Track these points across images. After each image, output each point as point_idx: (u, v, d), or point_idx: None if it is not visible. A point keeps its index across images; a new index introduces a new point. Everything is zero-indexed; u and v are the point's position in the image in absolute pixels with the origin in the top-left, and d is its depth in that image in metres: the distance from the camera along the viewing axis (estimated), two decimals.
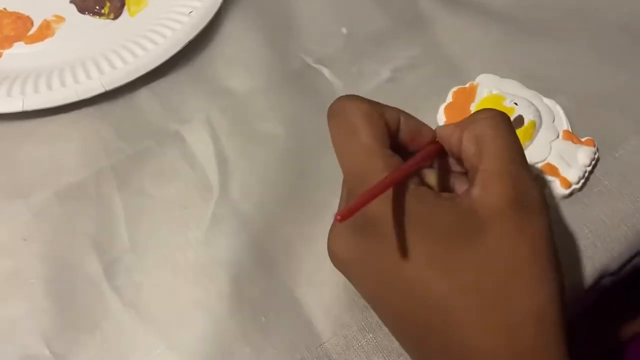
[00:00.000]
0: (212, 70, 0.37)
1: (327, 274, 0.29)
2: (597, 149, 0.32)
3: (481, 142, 0.23)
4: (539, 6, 0.39)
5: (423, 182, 0.26)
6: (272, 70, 0.37)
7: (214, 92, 0.36)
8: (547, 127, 0.32)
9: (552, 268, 0.22)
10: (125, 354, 0.28)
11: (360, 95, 0.36)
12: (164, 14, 0.38)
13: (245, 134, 0.34)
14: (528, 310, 0.21)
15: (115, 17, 0.39)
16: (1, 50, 0.38)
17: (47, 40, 0.38)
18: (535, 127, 0.32)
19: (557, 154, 0.32)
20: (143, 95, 0.36)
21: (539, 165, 0.31)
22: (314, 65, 0.37)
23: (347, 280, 0.29)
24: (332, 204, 0.31)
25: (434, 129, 0.26)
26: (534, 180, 0.23)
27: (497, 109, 0.33)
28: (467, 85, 0.35)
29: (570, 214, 0.31)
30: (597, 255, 0.30)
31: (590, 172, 0.32)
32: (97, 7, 0.39)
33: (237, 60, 0.37)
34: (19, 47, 0.38)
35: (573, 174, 0.31)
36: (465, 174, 0.25)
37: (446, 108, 0.34)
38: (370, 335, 0.28)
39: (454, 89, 0.35)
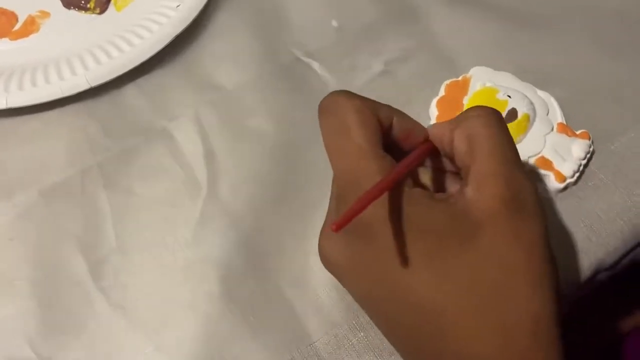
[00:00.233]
0: (200, 65, 0.36)
1: (318, 273, 0.29)
2: (592, 142, 0.32)
3: (473, 141, 0.23)
4: None
5: (417, 181, 0.25)
6: (262, 65, 0.36)
7: (202, 88, 0.35)
8: (541, 120, 0.32)
9: (548, 271, 0.21)
10: (112, 356, 0.27)
11: (352, 88, 0.35)
12: (151, 8, 0.37)
13: (234, 130, 0.34)
14: (523, 315, 0.20)
15: (102, 12, 0.38)
16: None
17: (32, 36, 0.38)
18: (529, 120, 0.31)
19: (552, 147, 0.31)
20: (130, 91, 0.35)
21: (533, 159, 0.31)
22: (304, 59, 0.36)
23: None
24: (323, 202, 0.31)
25: (426, 127, 0.25)
26: (529, 180, 0.22)
27: (491, 101, 0.33)
28: (460, 78, 0.34)
29: (565, 209, 0.30)
30: (592, 249, 0.30)
31: (585, 166, 0.31)
32: (83, 2, 0.38)
33: (225, 55, 0.37)
34: (4, 44, 0.37)
35: (568, 168, 0.30)
36: (458, 173, 0.25)
37: (439, 101, 0.34)
38: (362, 334, 0.27)
39: (447, 82, 0.34)
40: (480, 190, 0.21)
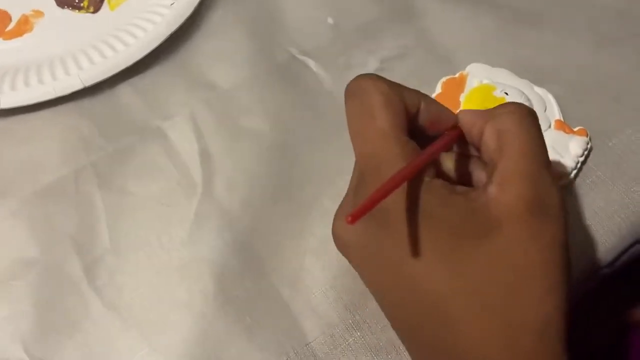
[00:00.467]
0: (195, 64, 0.36)
1: (314, 273, 0.29)
2: (590, 139, 0.31)
3: (503, 138, 0.22)
4: None
5: (440, 168, 0.25)
6: (257, 63, 0.36)
7: (197, 87, 0.35)
8: (538, 117, 0.32)
9: (562, 279, 0.20)
10: (106, 357, 0.27)
11: None
12: (145, 7, 0.37)
13: (229, 129, 0.34)
14: (532, 319, 0.20)
15: (95, 11, 0.38)
16: None
17: (25, 36, 0.38)
18: None
19: (549, 144, 0.30)
20: (124, 90, 0.35)
21: None
22: (300, 57, 0.36)
23: (333, 279, 0.28)
24: (319, 201, 0.31)
25: (455, 113, 0.25)
26: (555, 184, 0.22)
27: (488, 98, 0.33)
28: (456, 75, 0.34)
29: None
30: (590, 247, 0.29)
31: (583, 163, 0.31)
32: (77, 1, 0.38)
33: (220, 54, 0.36)
34: None
35: (565, 165, 0.30)
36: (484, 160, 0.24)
37: (435, 99, 0.33)
38: (358, 333, 0.27)
39: (444, 79, 0.34)
40: (504, 188, 0.21)
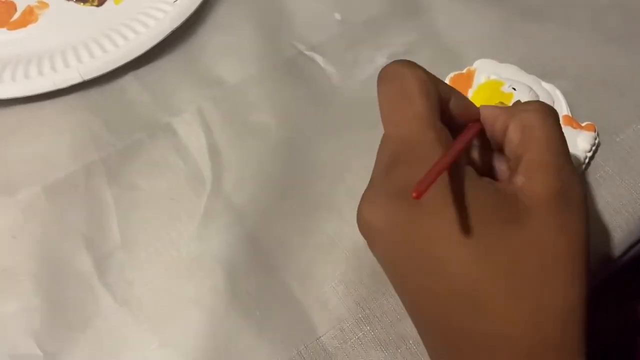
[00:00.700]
0: (203, 60, 0.36)
1: (323, 267, 0.29)
2: (598, 134, 0.31)
3: (528, 132, 0.23)
4: None
5: (467, 159, 0.25)
6: (264, 59, 0.36)
7: (205, 82, 0.35)
8: None
9: (585, 269, 0.21)
10: (117, 352, 0.27)
11: (356, 82, 0.35)
12: (149, 2, 0.37)
13: (237, 125, 0.34)
14: (559, 306, 0.20)
15: (100, 4, 0.38)
16: None
17: (30, 27, 0.38)
18: None
19: None
20: (133, 86, 0.35)
21: None
22: (307, 53, 0.36)
23: (342, 274, 0.28)
24: (328, 196, 0.31)
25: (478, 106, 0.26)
26: (577, 176, 0.22)
27: (495, 94, 0.33)
28: (464, 71, 0.34)
29: None
30: (598, 242, 0.29)
31: (591, 158, 0.31)
32: None
33: (228, 49, 0.36)
34: (1, 34, 0.37)
35: (573, 160, 0.30)
36: (503, 154, 0.25)
37: None
38: (367, 327, 0.27)
39: (451, 74, 0.34)
40: (531, 178, 0.22)
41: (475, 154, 0.26)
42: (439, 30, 0.37)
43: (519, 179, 0.22)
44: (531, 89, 0.32)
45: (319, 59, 0.36)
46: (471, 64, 0.34)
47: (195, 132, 0.33)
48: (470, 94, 0.33)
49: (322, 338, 0.27)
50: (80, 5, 0.38)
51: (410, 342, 0.27)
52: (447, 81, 0.34)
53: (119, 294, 0.28)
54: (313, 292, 0.28)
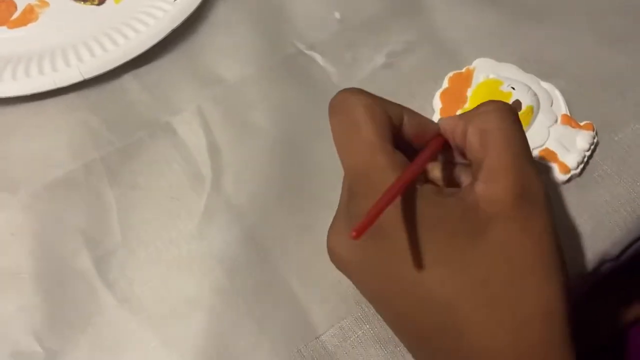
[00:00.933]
0: (203, 59, 0.36)
1: (323, 266, 0.29)
2: (597, 133, 0.32)
3: (486, 136, 0.23)
4: None
5: (427, 177, 0.25)
6: (264, 58, 0.36)
7: (204, 81, 0.35)
8: (545, 111, 0.32)
9: (557, 265, 0.21)
10: (118, 350, 0.27)
11: (355, 81, 0.35)
12: (149, 1, 0.37)
13: (237, 124, 0.34)
14: (536, 308, 0.20)
15: (100, 3, 0.38)
16: None
17: (30, 25, 0.38)
18: (533, 112, 0.31)
19: (556, 139, 0.31)
20: (132, 86, 0.35)
21: (537, 151, 0.31)
22: (307, 52, 0.36)
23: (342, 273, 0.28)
24: (328, 195, 0.31)
25: (436, 121, 0.25)
26: (538, 174, 0.22)
27: (494, 93, 0.33)
28: (463, 70, 0.34)
29: (569, 200, 0.30)
30: (596, 241, 0.30)
31: (590, 157, 0.31)
32: None
33: (227, 48, 0.37)
34: (1, 32, 0.37)
35: (572, 159, 0.30)
36: (470, 165, 0.25)
37: (442, 94, 0.33)
38: (367, 326, 0.27)
39: (450, 74, 0.34)
40: (490, 183, 0.21)
41: (438, 170, 0.25)
42: (438, 30, 0.37)
43: (479, 186, 0.22)
44: (530, 88, 0.32)
45: (318, 58, 0.36)
46: (470, 63, 0.34)
47: (195, 131, 0.33)
48: (469, 93, 0.33)
49: (322, 337, 0.27)
50: (81, 4, 0.38)
51: None
52: (446, 80, 0.34)
53: (119, 293, 0.28)
54: (313, 290, 0.28)
